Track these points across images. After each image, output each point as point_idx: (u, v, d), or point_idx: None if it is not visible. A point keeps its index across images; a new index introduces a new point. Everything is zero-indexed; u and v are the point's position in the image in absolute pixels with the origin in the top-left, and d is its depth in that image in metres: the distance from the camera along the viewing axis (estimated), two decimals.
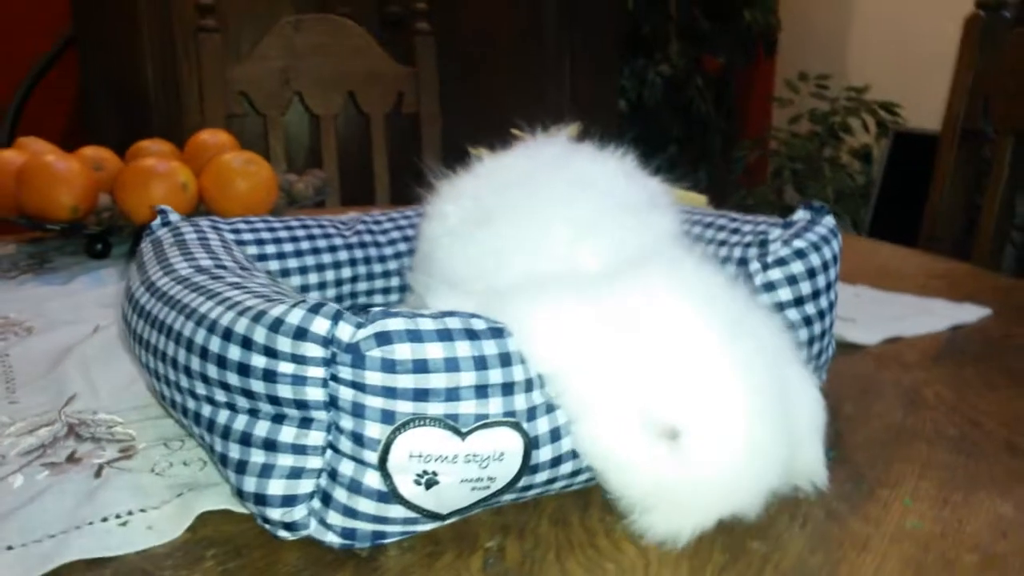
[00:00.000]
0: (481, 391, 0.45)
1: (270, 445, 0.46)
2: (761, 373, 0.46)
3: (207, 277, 0.55)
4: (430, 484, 0.45)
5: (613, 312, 0.47)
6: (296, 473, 0.46)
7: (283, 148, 1.76)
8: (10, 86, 2.40)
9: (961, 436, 0.62)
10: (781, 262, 0.62)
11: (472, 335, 0.45)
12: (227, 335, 0.46)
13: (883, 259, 1.17)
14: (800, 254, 0.62)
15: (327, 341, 0.44)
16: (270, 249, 0.73)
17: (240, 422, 0.47)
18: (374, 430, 0.44)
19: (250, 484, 0.46)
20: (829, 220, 0.66)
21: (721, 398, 0.44)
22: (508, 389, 0.46)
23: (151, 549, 0.48)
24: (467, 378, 0.44)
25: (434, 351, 0.44)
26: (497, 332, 0.46)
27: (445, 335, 0.44)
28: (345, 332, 0.43)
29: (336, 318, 0.44)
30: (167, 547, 0.49)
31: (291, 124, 2.10)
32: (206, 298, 0.50)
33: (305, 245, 0.75)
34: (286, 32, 1.80)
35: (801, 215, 0.67)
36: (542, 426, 0.48)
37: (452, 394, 0.44)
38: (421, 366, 0.43)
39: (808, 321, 0.61)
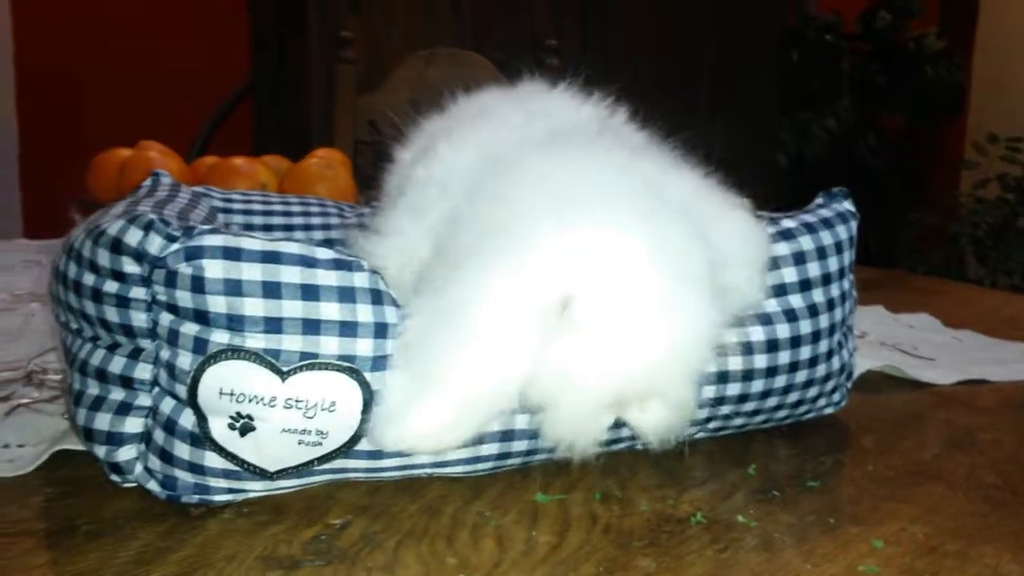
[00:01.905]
0: (310, 326, 0.39)
1: (102, 375, 0.42)
2: (653, 230, 0.41)
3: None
4: (246, 429, 0.39)
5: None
6: (124, 408, 0.41)
7: None
8: (198, 123, 2.61)
9: (1001, 486, 0.48)
10: (787, 235, 0.52)
11: (308, 262, 0.39)
12: (69, 250, 0.43)
13: (1014, 311, 0.99)
14: (810, 228, 0.52)
15: (139, 255, 0.39)
16: (257, 220, 0.70)
17: (84, 349, 0.43)
18: (185, 360, 0.39)
19: (81, 416, 0.42)
20: (846, 204, 0.55)
21: (604, 261, 0.40)
22: (349, 329, 0.39)
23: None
24: (291, 308, 0.38)
25: (251, 272, 0.38)
26: (344, 264, 0.40)
27: (271, 257, 0.39)
28: (155, 244, 0.39)
29: (148, 228, 0.39)
30: (14, 480, 0.45)
31: None
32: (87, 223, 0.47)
33: (297, 221, 0.72)
34: (418, 65, 1.84)
35: (817, 201, 0.57)
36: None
37: (272, 325, 0.38)
38: (234, 288, 0.38)
39: (814, 311, 0.50)
